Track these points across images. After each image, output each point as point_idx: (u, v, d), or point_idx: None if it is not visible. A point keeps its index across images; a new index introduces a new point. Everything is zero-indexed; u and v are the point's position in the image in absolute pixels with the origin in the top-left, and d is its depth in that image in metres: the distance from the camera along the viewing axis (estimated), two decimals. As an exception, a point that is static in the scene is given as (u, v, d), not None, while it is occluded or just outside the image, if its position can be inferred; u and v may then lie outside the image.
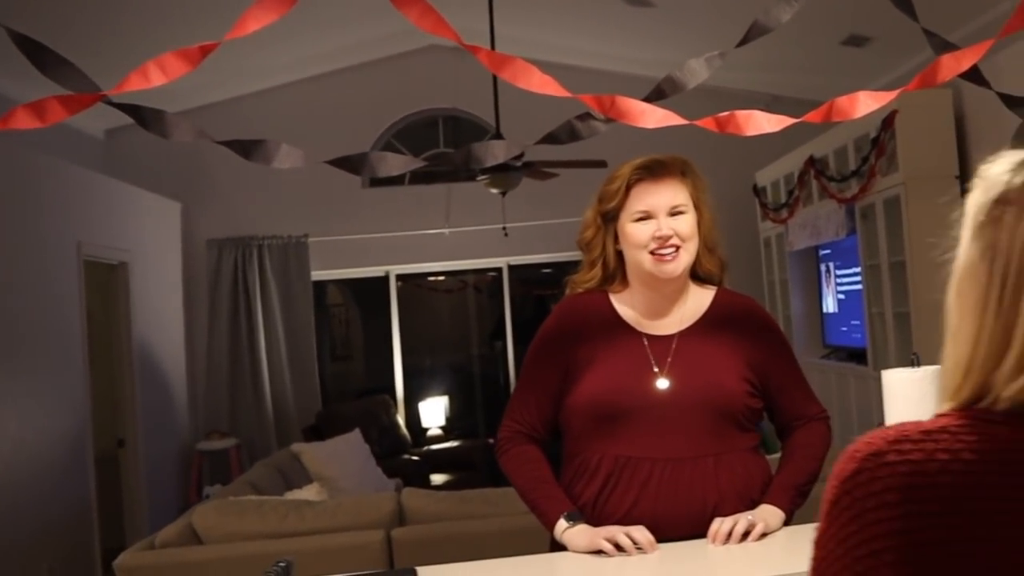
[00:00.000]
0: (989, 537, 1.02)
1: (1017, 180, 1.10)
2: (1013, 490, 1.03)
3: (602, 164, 5.84)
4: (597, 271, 2.44)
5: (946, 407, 1.12)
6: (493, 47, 6.04)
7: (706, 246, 2.43)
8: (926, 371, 2.06)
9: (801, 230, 7.97)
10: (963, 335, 1.11)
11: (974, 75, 2.49)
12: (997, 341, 1.07)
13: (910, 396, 2.06)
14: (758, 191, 8.88)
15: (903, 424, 1.11)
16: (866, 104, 2.30)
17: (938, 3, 4.83)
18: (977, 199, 1.13)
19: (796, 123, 2.29)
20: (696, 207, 2.40)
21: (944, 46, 2.42)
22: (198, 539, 3.79)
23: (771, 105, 7.61)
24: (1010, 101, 2.75)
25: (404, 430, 9.00)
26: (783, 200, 8.24)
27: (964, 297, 1.12)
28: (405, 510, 3.95)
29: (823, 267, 8.29)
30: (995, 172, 1.12)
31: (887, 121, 6.33)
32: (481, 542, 3.56)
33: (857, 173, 6.74)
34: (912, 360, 2.12)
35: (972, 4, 5.57)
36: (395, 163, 1.94)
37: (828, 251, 8.11)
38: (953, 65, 2.40)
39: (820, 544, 1.10)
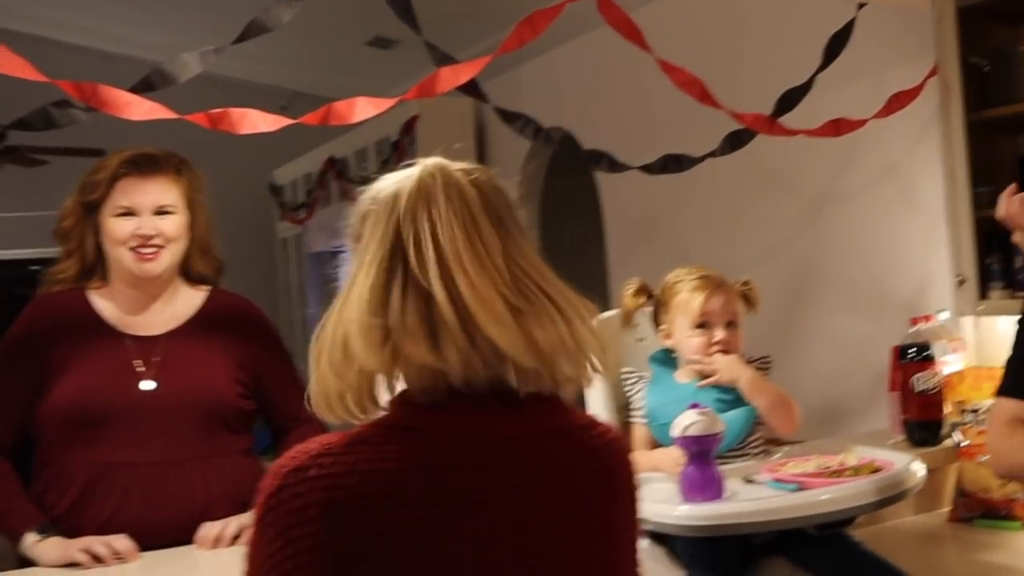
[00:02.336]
0: (414, 540, 1.13)
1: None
2: (437, 495, 1.15)
3: (100, 152, 5.70)
4: (74, 263, 2.45)
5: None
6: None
7: (199, 247, 2.52)
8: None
9: (320, 231, 8.24)
10: None
11: (472, 88, 2.78)
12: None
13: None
14: (276, 190, 9.04)
15: (328, 436, 1.20)
16: (364, 109, 2.51)
17: (457, 19, 5.26)
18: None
19: (295, 124, 2.46)
20: (190, 207, 2.47)
21: (444, 59, 2.69)
22: None
23: (292, 101, 7.80)
24: (505, 116, 3.09)
25: None
26: (302, 200, 8.46)
27: None
28: None
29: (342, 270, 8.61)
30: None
31: (407, 126, 6.73)
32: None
33: (377, 176, 7.09)
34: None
35: (491, 23, 6.07)
36: None
37: (348, 253, 8.43)
38: (452, 77, 2.66)
39: (250, 559, 1.18)
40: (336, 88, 8.12)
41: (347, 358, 1.21)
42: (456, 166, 1.30)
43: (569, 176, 6.40)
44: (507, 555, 1.19)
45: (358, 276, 1.25)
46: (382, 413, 1.23)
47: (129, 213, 2.39)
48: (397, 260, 1.23)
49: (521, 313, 1.21)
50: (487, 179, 1.30)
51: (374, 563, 1.12)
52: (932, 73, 3.11)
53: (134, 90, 2.02)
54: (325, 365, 1.23)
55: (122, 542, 2.20)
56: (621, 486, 1.32)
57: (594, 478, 1.27)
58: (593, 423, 1.33)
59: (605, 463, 1.29)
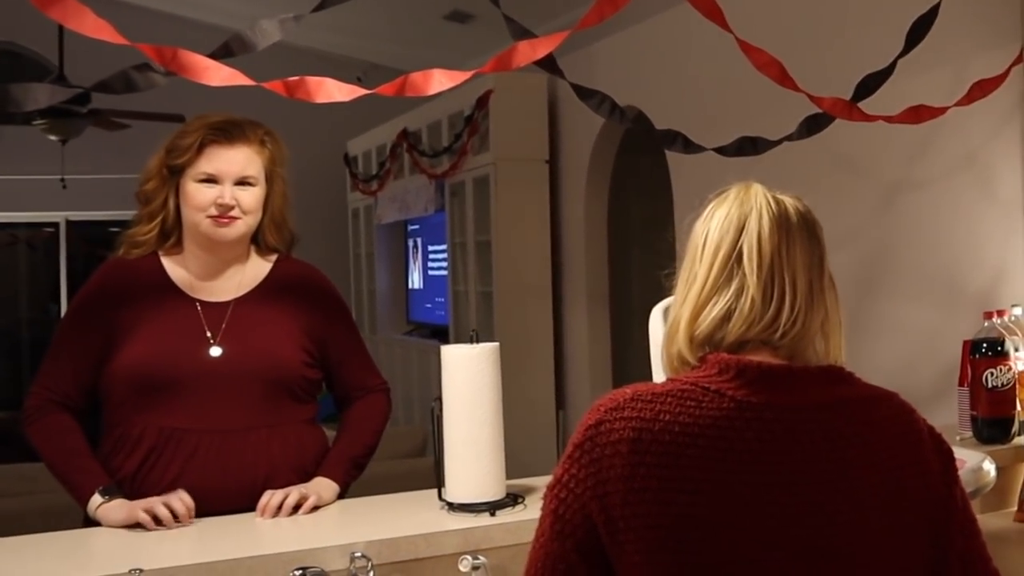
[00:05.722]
0: (692, 489, 1.31)
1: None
2: (717, 451, 1.32)
3: (179, 118, 5.76)
4: (156, 225, 2.43)
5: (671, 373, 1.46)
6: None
7: (273, 221, 2.50)
8: (482, 348, 2.24)
9: (391, 203, 8.25)
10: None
11: (548, 64, 2.73)
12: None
13: (468, 371, 2.23)
14: (349, 160, 9.06)
15: (639, 385, 1.41)
16: (440, 82, 2.46)
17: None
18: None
19: (370, 94, 2.43)
20: (269, 179, 2.46)
21: (522, 33, 2.64)
22: None
23: (369, 73, 7.82)
24: (581, 92, 3.03)
25: (-72, 399, 8.47)
26: (374, 172, 8.47)
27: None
28: (-79, 488, 3.73)
29: (411, 242, 8.63)
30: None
31: (481, 101, 6.70)
32: (14, 522, 3.42)
33: (449, 150, 7.08)
34: (471, 337, 2.30)
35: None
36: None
37: (417, 227, 8.44)
38: (529, 52, 2.61)
39: (562, 483, 1.38)
40: (412, 61, 8.10)
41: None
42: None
43: (640, 156, 6.34)
44: (778, 512, 1.32)
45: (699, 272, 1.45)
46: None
47: (211, 180, 2.38)
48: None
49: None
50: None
51: (667, 503, 1.30)
52: (1017, 60, 3.01)
53: (213, 56, 1.99)
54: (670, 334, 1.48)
55: (180, 501, 2.18)
56: (899, 459, 1.41)
57: (864, 449, 1.38)
58: (881, 396, 1.45)
59: (880, 435, 1.41)
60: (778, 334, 1.40)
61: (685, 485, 1.31)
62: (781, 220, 1.44)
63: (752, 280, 1.40)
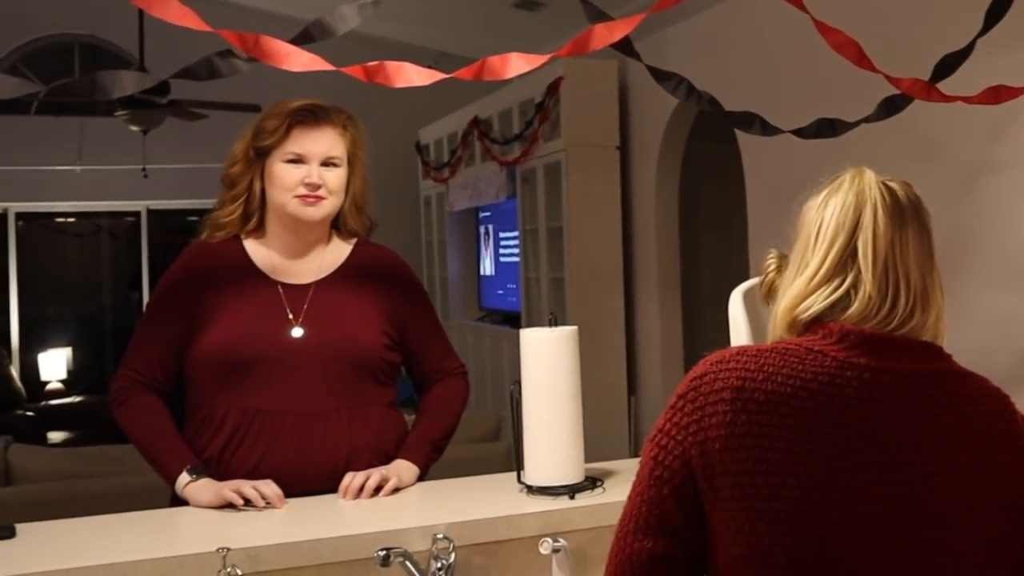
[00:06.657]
0: (791, 436, 1.36)
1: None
2: (816, 404, 1.37)
3: (255, 108, 5.82)
4: (239, 207, 2.46)
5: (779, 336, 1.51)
6: (140, -31, 5.84)
7: (355, 204, 2.52)
8: (561, 331, 2.23)
9: (462, 191, 8.26)
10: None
11: (625, 46, 2.70)
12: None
13: (547, 354, 2.22)
14: (421, 148, 9.09)
15: (745, 345, 1.55)
16: (517, 65, 2.45)
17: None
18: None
19: (447, 78, 2.42)
20: (351, 163, 2.48)
21: (598, 15, 2.61)
22: None
23: (439, 62, 7.83)
24: (658, 75, 2.99)
25: (19, 383, 8.64)
26: (446, 159, 8.49)
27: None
28: (12, 468, 3.80)
29: (482, 229, 8.63)
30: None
31: (552, 87, 6.67)
32: (101, 502, 3.50)
33: (520, 137, 7.06)
34: (550, 320, 2.29)
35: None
36: (6, 87, 1.86)
37: (488, 213, 8.44)
38: (605, 34, 2.58)
39: (664, 431, 1.43)
40: (481, 49, 8.05)
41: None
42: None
43: (711, 142, 6.28)
44: (873, 466, 1.36)
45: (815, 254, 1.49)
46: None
47: (299, 160, 2.40)
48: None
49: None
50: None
51: (766, 449, 1.35)
52: (1103, 39, 2.93)
53: (294, 42, 2.00)
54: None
55: (269, 487, 2.21)
56: (985, 436, 1.44)
57: (960, 419, 1.42)
58: (976, 376, 1.48)
59: (975, 409, 1.44)
60: (891, 327, 1.43)
61: (784, 432, 1.36)
62: (895, 213, 1.47)
63: (868, 276, 1.44)
